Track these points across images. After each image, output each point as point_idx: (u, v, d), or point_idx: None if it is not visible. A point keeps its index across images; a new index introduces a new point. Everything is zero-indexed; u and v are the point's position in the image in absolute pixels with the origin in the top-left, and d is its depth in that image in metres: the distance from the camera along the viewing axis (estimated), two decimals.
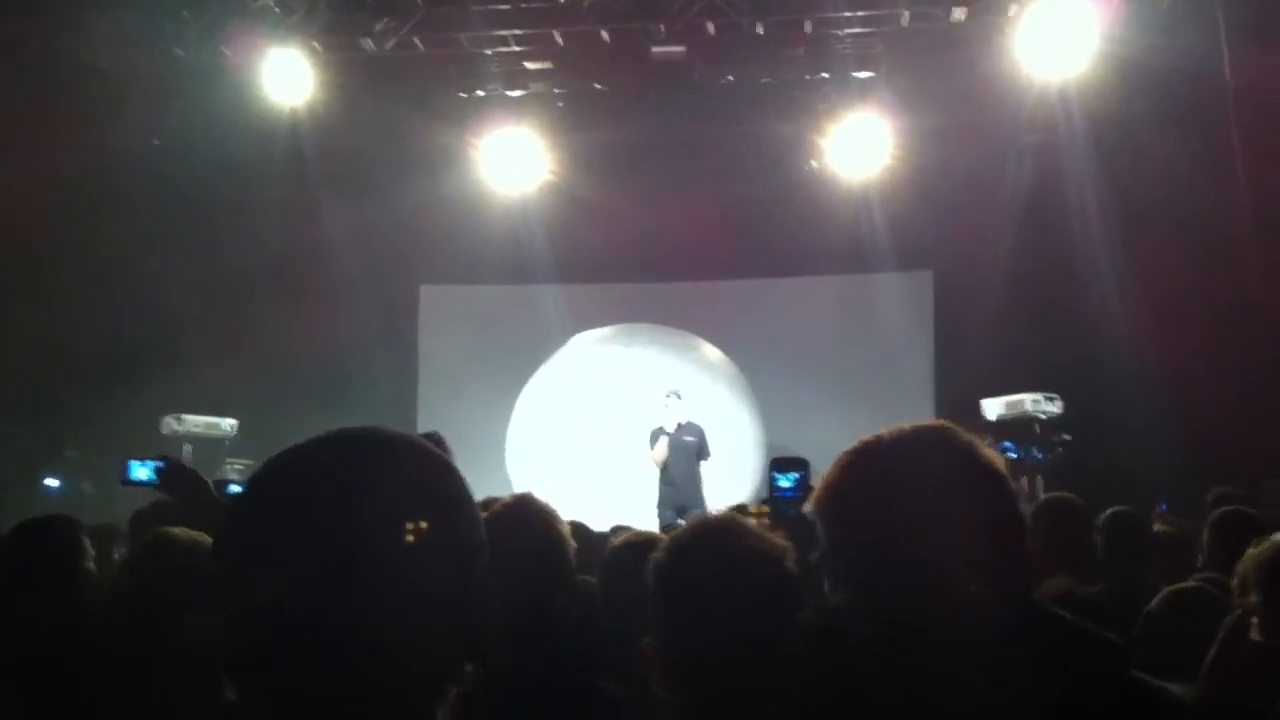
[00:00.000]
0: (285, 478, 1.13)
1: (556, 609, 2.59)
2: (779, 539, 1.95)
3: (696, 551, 1.94)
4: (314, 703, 1.07)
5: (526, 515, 2.72)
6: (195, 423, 10.38)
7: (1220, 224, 9.03)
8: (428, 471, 1.15)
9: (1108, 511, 4.47)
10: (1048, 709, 1.63)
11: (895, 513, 1.73)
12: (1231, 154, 8.91)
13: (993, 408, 9.65)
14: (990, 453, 1.80)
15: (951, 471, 1.75)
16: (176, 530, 2.57)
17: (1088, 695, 1.66)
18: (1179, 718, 1.70)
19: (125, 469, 3.66)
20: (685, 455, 9.98)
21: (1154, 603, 3.11)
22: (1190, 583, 3.34)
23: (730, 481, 10.00)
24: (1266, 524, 4.29)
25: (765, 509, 2.85)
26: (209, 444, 10.38)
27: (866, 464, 1.80)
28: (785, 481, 2.60)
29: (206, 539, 2.42)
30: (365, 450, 1.15)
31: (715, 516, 2.12)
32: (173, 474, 3.51)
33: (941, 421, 1.85)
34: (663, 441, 9.96)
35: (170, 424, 10.27)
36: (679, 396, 10.06)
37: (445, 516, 1.13)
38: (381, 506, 1.09)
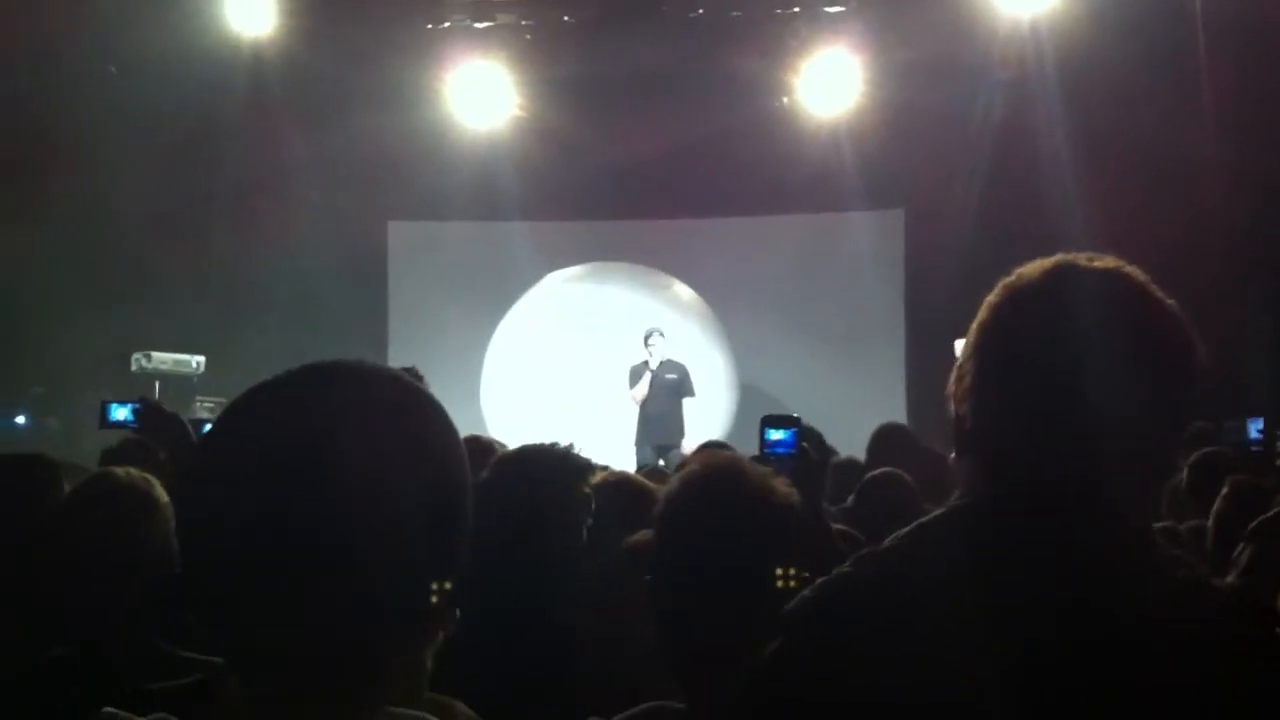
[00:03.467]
0: (253, 413, 1.09)
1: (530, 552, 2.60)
2: (788, 488, 1.96)
3: (709, 489, 1.93)
4: (291, 650, 1.04)
5: (523, 463, 2.72)
6: (163, 360, 10.29)
7: (1183, 151, 9.07)
8: (404, 404, 1.10)
9: None
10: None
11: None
12: (1197, 84, 8.94)
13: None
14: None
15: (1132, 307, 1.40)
16: (119, 471, 2.53)
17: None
18: None
19: (105, 411, 3.63)
20: (666, 393, 10.02)
21: None
22: None
23: (704, 422, 10.04)
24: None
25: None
26: (178, 381, 10.30)
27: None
28: (779, 434, 2.55)
29: (149, 480, 2.41)
30: (339, 383, 1.10)
31: (725, 457, 2.10)
32: (150, 415, 3.53)
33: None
34: (645, 378, 9.98)
35: (139, 361, 10.17)
36: (662, 335, 10.10)
37: (423, 450, 1.08)
38: (355, 442, 1.04)
